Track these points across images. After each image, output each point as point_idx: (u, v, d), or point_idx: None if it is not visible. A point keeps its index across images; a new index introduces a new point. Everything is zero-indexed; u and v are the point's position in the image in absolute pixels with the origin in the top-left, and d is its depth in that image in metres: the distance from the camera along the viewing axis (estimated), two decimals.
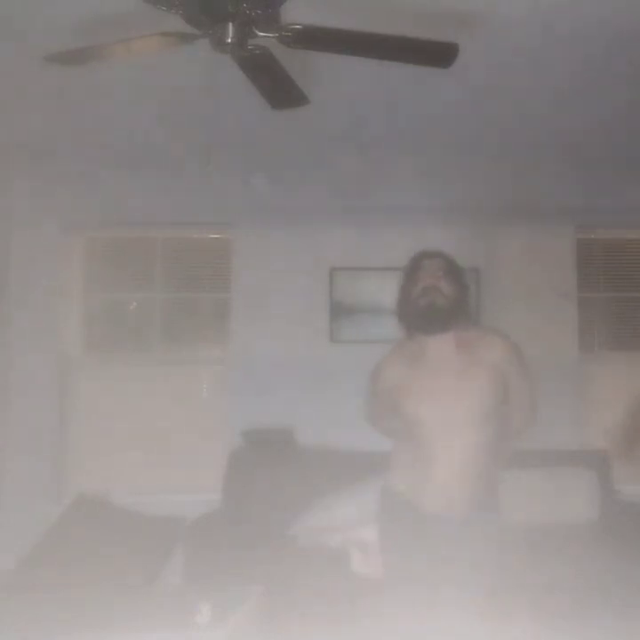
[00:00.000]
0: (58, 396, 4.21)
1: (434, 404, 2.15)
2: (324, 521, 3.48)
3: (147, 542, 3.52)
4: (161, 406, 4.25)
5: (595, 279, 4.35)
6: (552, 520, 3.57)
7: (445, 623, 2.04)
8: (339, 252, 4.23)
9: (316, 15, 2.25)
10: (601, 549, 3.29)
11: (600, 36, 2.75)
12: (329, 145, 3.96)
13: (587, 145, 3.96)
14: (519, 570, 2.92)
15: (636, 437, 2.38)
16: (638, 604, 2.98)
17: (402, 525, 2.18)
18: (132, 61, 2.43)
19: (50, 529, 3.59)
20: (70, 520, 3.64)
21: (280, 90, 2.53)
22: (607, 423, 2.51)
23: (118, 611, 2.70)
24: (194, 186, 4.20)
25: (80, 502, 3.76)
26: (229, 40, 2.13)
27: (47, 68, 2.39)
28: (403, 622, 2.12)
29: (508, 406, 2.24)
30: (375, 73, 2.83)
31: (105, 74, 2.82)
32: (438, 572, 2.08)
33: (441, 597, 2.07)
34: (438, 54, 2.25)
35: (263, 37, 2.19)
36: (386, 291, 3.88)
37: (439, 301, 2.19)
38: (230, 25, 2.11)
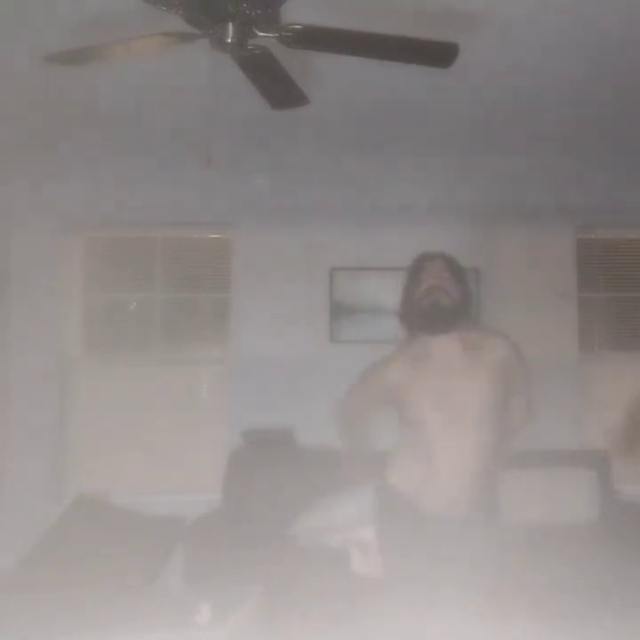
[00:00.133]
0: (58, 396, 4.21)
1: (437, 404, 2.16)
2: (324, 521, 3.47)
3: (147, 542, 3.52)
4: (161, 406, 4.25)
5: (595, 279, 4.35)
6: (552, 520, 3.57)
7: (445, 623, 2.04)
8: (339, 252, 4.23)
9: (316, 15, 2.25)
10: (601, 549, 3.29)
11: (600, 36, 2.75)
12: (329, 145, 3.96)
13: (587, 145, 3.96)
14: (519, 570, 2.92)
15: (636, 437, 2.39)
16: (638, 603, 2.98)
17: (401, 525, 2.18)
18: (132, 61, 2.43)
19: (50, 529, 3.59)
20: (70, 520, 3.64)
21: (280, 90, 2.53)
22: (607, 423, 2.50)
23: (118, 611, 2.70)
24: (194, 186, 4.20)
25: (80, 502, 3.75)
26: (229, 40, 2.13)
27: (47, 67, 2.39)
28: (403, 622, 2.12)
29: (508, 406, 2.25)
30: (375, 73, 2.83)
31: (105, 74, 2.82)
32: (438, 571, 2.09)
33: (441, 597, 2.07)
34: (438, 54, 2.25)
35: (263, 37, 2.19)
36: (386, 291, 3.91)
37: (443, 301, 2.20)
38: (230, 25, 2.11)
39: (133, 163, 4.15)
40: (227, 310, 4.30)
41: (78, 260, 4.37)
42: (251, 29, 2.15)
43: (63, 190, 4.21)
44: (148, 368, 4.30)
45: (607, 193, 4.17)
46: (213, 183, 4.19)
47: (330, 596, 3.01)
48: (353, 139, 3.89)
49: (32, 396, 4.12)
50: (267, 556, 3.26)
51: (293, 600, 3.01)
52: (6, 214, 4.18)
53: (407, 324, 2.30)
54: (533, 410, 2.36)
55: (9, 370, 4.12)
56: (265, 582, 2.98)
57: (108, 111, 3.50)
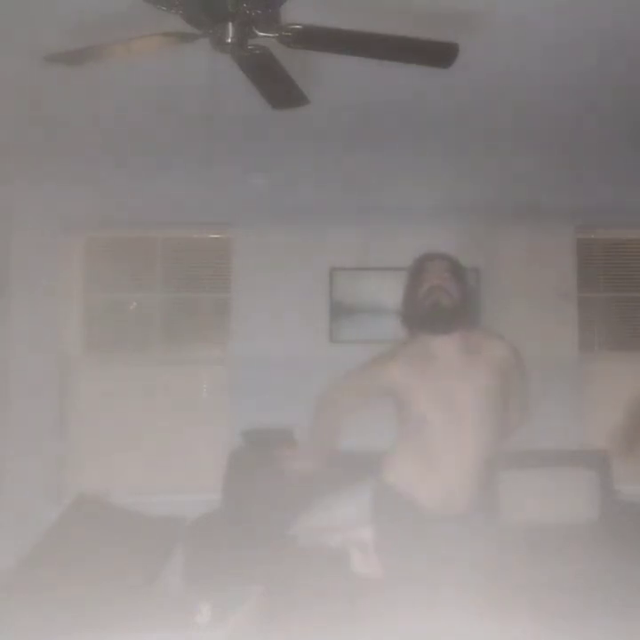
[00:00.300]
0: (58, 396, 4.21)
1: (437, 404, 2.16)
2: (324, 521, 3.47)
3: (147, 542, 3.51)
4: (161, 406, 4.25)
5: (595, 279, 4.35)
6: (552, 520, 3.57)
7: (445, 623, 2.04)
8: (339, 252, 4.23)
9: (316, 15, 2.25)
10: (601, 549, 3.29)
11: (600, 36, 2.74)
12: (329, 145, 3.96)
13: (587, 145, 3.96)
14: (519, 570, 2.92)
15: (636, 437, 2.38)
16: (638, 603, 2.99)
17: (401, 525, 2.18)
18: (132, 61, 2.43)
19: (50, 529, 3.58)
20: (70, 520, 3.64)
21: (280, 90, 2.53)
22: (607, 423, 2.50)
23: (118, 611, 2.70)
24: (194, 186, 4.20)
25: (80, 502, 3.75)
26: (229, 40, 2.13)
27: (47, 67, 2.38)
28: (403, 622, 2.12)
29: (506, 406, 2.26)
30: (375, 73, 2.83)
31: (105, 74, 2.81)
32: (438, 571, 2.09)
33: (441, 597, 2.07)
34: (438, 54, 2.25)
35: (263, 37, 2.19)
36: (386, 291, 3.91)
37: (444, 302, 2.20)
38: (230, 25, 2.11)
39: (133, 163, 4.15)
40: (227, 310, 4.31)
41: (78, 260, 4.37)
42: (251, 29, 2.15)
43: (63, 190, 4.21)
44: (148, 368, 4.30)
45: (607, 193, 4.17)
46: (213, 183, 4.19)
47: (330, 596, 3.01)
48: (353, 139, 3.88)
49: (32, 396, 4.12)
50: (267, 556, 3.26)
51: (293, 600, 3.01)
52: (6, 214, 4.18)
53: (408, 324, 2.30)
54: (529, 410, 2.38)
55: (9, 370, 4.12)
56: (265, 582, 2.98)
57: (108, 111, 3.50)
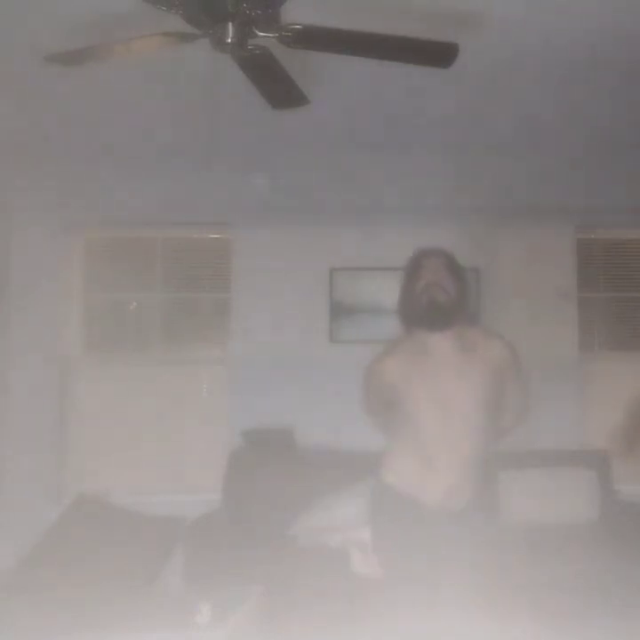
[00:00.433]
0: (58, 396, 4.21)
1: (433, 401, 2.17)
2: (324, 521, 3.47)
3: (147, 542, 3.52)
4: (161, 406, 4.25)
5: (595, 279, 4.35)
6: (552, 520, 3.57)
7: (445, 623, 2.04)
8: (339, 252, 4.23)
9: (316, 15, 2.25)
10: (601, 549, 3.28)
11: (600, 36, 2.75)
12: (329, 145, 3.96)
13: (586, 145, 3.96)
14: (519, 570, 2.92)
15: (636, 437, 2.38)
16: (638, 604, 2.98)
17: (401, 525, 2.18)
18: (131, 61, 2.43)
19: (50, 529, 3.59)
20: (70, 520, 3.64)
21: (280, 90, 2.53)
22: (607, 423, 2.50)
23: (118, 611, 2.70)
24: (194, 186, 4.20)
25: (80, 502, 3.75)
26: (229, 40, 2.13)
27: (47, 67, 2.38)
28: (403, 622, 2.12)
29: (503, 406, 2.26)
30: (375, 73, 2.83)
31: (105, 74, 2.82)
32: (438, 571, 2.09)
33: (441, 597, 2.07)
34: (438, 54, 2.25)
35: (263, 37, 2.19)
36: (386, 291, 3.90)
37: (441, 298, 2.20)
38: (230, 25, 2.11)
39: (133, 163, 4.15)
40: (227, 310, 4.31)
41: (78, 260, 4.37)
42: (251, 29, 2.16)
43: (63, 190, 4.21)
44: (148, 368, 4.30)
45: (607, 193, 4.17)
46: (213, 183, 4.19)
47: (330, 596, 3.01)
48: (353, 139, 3.89)
49: (32, 396, 4.12)
50: (267, 556, 3.26)
51: (293, 600, 3.01)
52: (6, 214, 4.18)
53: (406, 321, 2.30)
54: (527, 410, 2.38)
55: (9, 370, 4.12)
56: (265, 582, 2.98)
57: (108, 111, 3.50)
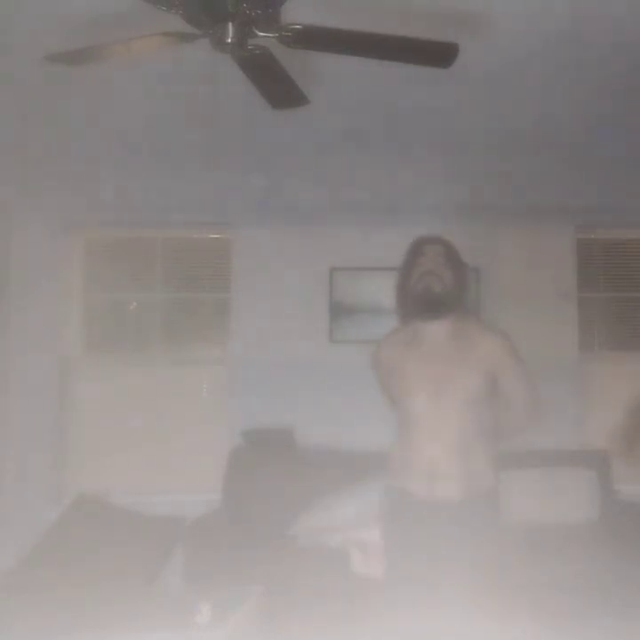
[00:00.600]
0: (58, 396, 4.21)
1: (423, 389, 2.17)
2: (323, 521, 3.47)
3: (147, 542, 3.52)
4: (161, 406, 4.25)
5: (595, 279, 4.35)
6: (552, 520, 3.57)
7: (445, 623, 2.04)
8: (339, 252, 4.23)
9: (316, 15, 2.25)
10: (601, 549, 3.29)
11: (600, 36, 2.74)
12: (329, 145, 3.96)
13: (586, 145, 3.96)
14: (519, 570, 2.92)
15: (636, 437, 2.38)
16: (638, 603, 2.99)
17: (406, 526, 2.18)
18: (131, 61, 2.43)
19: (50, 529, 3.59)
20: (70, 520, 3.64)
21: (280, 90, 2.53)
22: (607, 423, 2.50)
23: (118, 611, 2.70)
24: (194, 186, 4.20)
25: (80, 502, 3.76)
26: (229, 40, 2.13)
27: (47, 67, 2.38)
28: (403, 622, 2.12)
29: (504, 402, 2.25)
30: (375, 73, 2.83)
31: (105, 74, 2.81)
32: (438, 571, 2.09)
33: (441, 597, 2.07)
34: (438, 54, 2.25)
35: (263, 37, 2.19)
36: (386, 291, 3.89)
37: (437, 288, 2.20)
38: (230, 25, 2.11)
39: (133, 163, 4.15)
40: (227, 310, 4.31)
41: (78, 260, 4.37)
42: (251, 29, 2.15)
43: (63, 190, 4.21)
44: (148, 368, 4.30)
45: (607, 193, 4.17)
46: (213, 183, 4.19)
47: (330, 596, 3.01)
48: (353, 139, 3.88)
49: (32, 396, 4.12)
50: (267, 556, 3.26)
51: (293, 600, 3.01)
52: (6, 214, 4.18)
53: (401, 310, 2.30)
54: (539, 411, 2.32)
55: (9, 370, 4.12)
56: (265, 582, 2.98)
57: (108, 111, 3.50)
